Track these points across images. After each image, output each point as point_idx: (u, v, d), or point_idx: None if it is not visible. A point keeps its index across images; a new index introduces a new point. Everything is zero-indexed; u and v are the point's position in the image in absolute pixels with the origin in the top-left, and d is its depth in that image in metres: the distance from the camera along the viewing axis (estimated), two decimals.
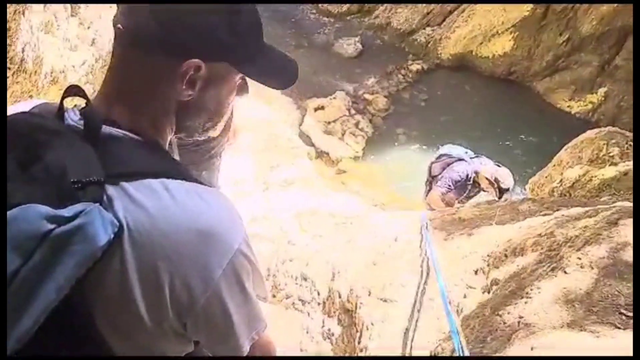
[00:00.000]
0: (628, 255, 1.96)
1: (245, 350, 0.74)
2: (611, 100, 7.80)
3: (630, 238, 2.01)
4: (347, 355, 2.54)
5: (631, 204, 2.58)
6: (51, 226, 0.55)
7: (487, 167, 3.97)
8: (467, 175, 3.98)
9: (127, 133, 0.68)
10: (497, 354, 1.77)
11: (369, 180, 7.13)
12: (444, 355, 2.00)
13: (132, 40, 0.67)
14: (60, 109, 0.68)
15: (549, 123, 7.83)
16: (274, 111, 7.55)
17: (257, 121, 6.07)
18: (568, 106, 8.19)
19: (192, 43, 0.68)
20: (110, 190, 0.61)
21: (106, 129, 0.66)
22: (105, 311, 0.61)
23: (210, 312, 0.66)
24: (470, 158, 4.10)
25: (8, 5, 2.34)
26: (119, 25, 0.68)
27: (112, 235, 0.58)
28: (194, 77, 0.70)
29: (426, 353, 2.14)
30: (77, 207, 0.57)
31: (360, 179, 7.14)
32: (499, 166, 4.03)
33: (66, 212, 0.56)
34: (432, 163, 4.26)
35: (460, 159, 4.06)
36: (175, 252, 0.62)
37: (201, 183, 0.68)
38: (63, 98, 0.68)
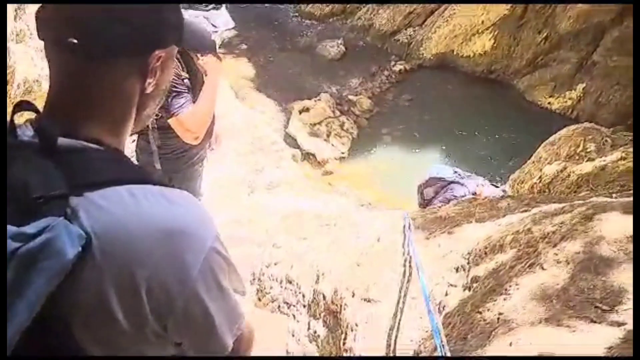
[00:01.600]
0: (603, 249, 2.00)
1: (230, 346, 0.73)
2: (589, 97, 7.93)
3: (604, 232, 2.06)
4: (333, 355, 2.55)
5: (605, 199, 2.64)
6: (17, 245, 0.54)
7: (485, 189, 3.88)
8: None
9: (87, 143, 0.66)
10: (478, 352, 1.80)
11: (355, 180, 7.17)
12: (425, 353, 2.02)
13: (92, 48, 0.65)
14: (12, 125, 0.65)
15: (529, 120, 7.94)
16: (259, 114, 7.55)
17: (241, 124, 6.06)
18: (548, 103, 8.31)
19: (157, 34, 0.69)
20: (75, 201, 0.59)
21: (64, 141, 0.64)
22: (84, 323, 0.60)
23: (190, 312, 0.66)
24: (462, 178, 3.98)
25: None
26: (71, 39, 0.64)
27: (80, 248, 0.57)
28: (156, 66, 0.71)
29: (409, 352, 2.16)
30: (41, 222, 0.56)
31: (347, 180, 7.18)
32: (496, 186, 3.99)
33: (29, 229, 0.55)
34: (423, 187, 4.11)
35: (455, 182, 3.95)
36: (149, 255, 0.61)
37: (166, 185, 0.67)
38: (13, 114, 0.66)
